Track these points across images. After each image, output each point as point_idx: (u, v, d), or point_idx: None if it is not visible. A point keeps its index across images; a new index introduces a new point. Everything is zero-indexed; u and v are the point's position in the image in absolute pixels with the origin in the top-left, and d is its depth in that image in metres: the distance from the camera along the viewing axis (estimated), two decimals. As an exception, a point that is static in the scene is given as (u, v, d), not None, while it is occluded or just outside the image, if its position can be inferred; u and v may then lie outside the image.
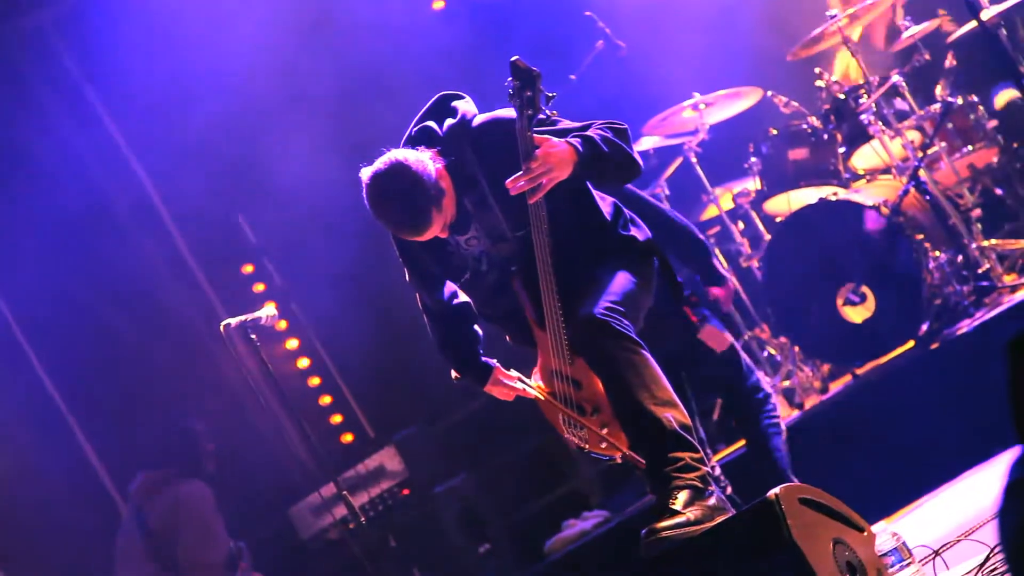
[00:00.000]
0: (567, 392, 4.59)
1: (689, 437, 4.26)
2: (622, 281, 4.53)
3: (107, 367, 9.32)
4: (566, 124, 4.53)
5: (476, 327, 4.93)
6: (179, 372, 9.47)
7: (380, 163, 4.41)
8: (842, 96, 7.79)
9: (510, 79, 4.13)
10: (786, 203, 8.08)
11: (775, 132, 8.09)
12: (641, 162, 4.55)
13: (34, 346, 9.28)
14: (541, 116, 4.27)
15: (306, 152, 9.32)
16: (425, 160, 4.41)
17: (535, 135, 4.25)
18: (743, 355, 6.58)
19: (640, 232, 4.76)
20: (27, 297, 9.12)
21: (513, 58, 4.11)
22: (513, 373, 4.88)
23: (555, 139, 4.32)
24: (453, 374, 5.02)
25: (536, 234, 4.41)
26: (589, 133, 4.40)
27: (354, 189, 4.49)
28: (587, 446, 4.61)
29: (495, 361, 4.91)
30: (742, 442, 6.98)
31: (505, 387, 4.87)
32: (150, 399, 9.22)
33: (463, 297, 4.87)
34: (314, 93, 9.55)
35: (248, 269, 10.00)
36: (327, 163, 8.90)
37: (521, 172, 4.24)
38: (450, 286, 4.85)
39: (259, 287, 9.95)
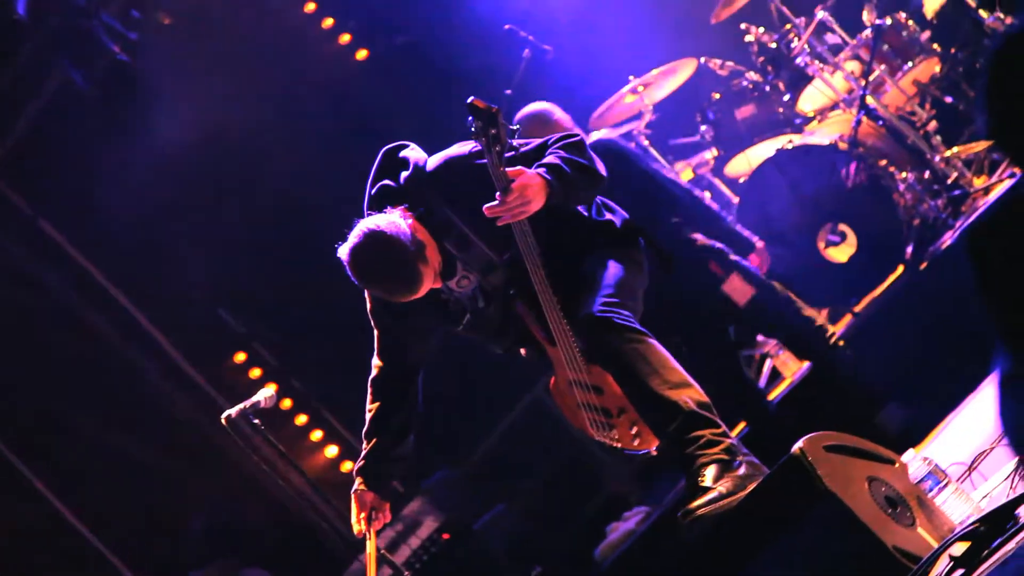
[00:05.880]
0: (589, 399, 4.58)
1: (708, 413, 4.23)
2: (612, 271, 4.52)
3: (123, 493, 9.30)
4: (525, 147, 4.50)
5: (410, 438, 4.92)
6: (201, 474, 9.46)
7: (355, 236, 4.35)
8: (774, 45, 7.80)
9: (470, 118, 4.08)
10: (746, 162, 8.09)
11: (718, 96, 8.09)
12: (603, 170, 4.50)
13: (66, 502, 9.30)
14: (508, 154, 4.24)
15: (270, 230, 9.35)
16: (396, 219, 4.38)
17: (508, 169, 4.21)
18: (779, 295, 6.76)
19: (616, 216, 4.73)
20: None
21: (469, 99, 4.05)
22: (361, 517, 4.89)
23: (528, 171, 4.27)
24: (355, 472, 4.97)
25: (524, 248, 4.37)
26: (551, 160, 4.36)
27: (318, 251, 4.46)
28: (620, 444, 4.61)
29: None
30: None
31: (360, 508, 4.88)
32: (176, 509, 9.23)
33: (414, 391, 4.88)
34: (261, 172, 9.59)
35: (240, 357, 9.98)
36: (286, 234, 8.95)
37: (496, 202, 4.19)
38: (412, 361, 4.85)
39: (255, 372, 9.93)
